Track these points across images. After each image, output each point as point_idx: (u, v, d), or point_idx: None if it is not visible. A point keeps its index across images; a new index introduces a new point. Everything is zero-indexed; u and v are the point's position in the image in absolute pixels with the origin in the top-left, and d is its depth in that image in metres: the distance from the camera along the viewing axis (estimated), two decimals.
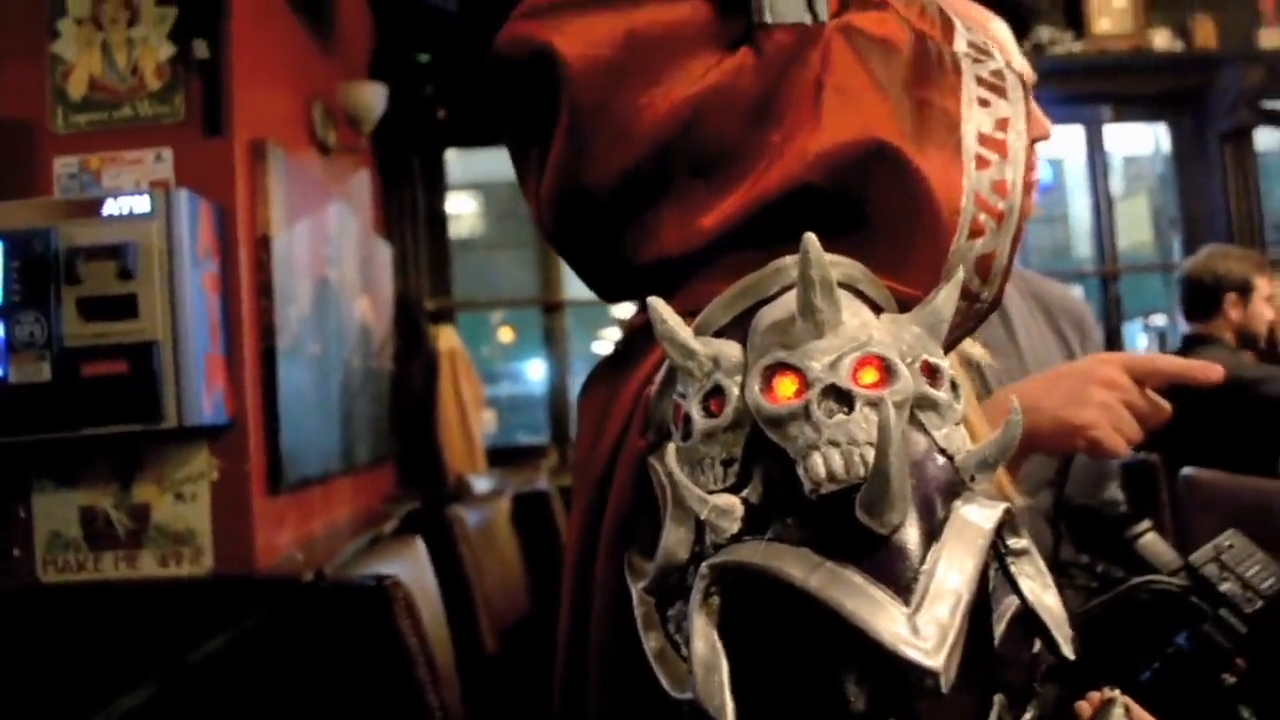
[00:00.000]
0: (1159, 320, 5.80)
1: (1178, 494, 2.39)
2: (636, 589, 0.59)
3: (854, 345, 0.52)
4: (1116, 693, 0.75)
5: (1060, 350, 1.51)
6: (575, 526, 0.70)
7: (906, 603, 0.47)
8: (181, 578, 2.22)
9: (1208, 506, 2.18)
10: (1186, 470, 2.34)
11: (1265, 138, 4.62)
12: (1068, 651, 0.55)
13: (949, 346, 0.63)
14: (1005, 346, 1.39)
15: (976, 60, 0.70)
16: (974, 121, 0.67)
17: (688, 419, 0.55)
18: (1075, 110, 4.51)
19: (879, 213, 0.63)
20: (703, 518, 0.52)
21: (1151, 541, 1.65)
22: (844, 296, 0.55)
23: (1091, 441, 1.10)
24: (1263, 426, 2.79)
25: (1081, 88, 4.36)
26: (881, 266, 0.61)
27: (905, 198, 0.63)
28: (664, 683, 0.55)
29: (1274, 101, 4.47)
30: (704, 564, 0.52)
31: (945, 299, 0.57)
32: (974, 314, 0.70)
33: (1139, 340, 7.47)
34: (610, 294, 0.77)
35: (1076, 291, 6.43)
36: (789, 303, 0.55)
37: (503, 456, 4.39)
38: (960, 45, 0.71)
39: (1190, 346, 3.14)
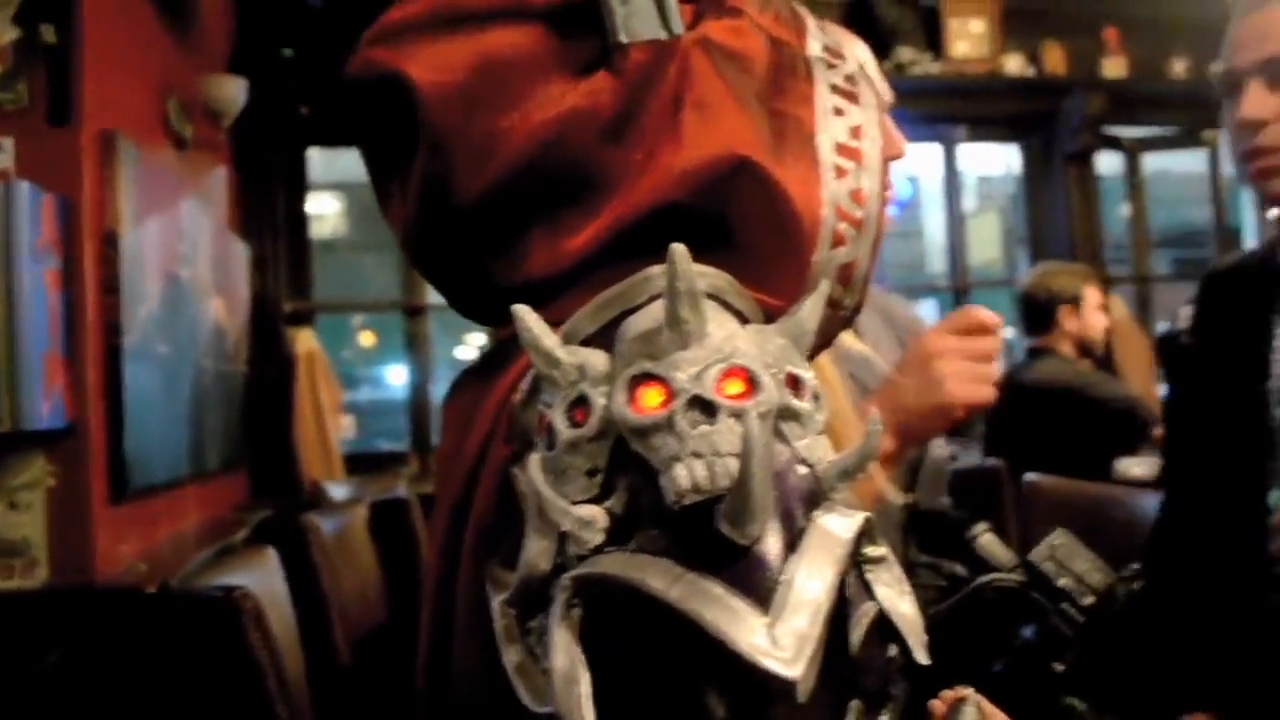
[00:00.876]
0: (1006, 333, 6.05)
1: (1021, 498, 2.52)
2: (497, 601, 0.58)
3: (719, 357, 0.52)
4: (969, 691, 0.78)
5: (897, 357, 1.57)
6: (436, 536, 0.69)
7: (765, 613, 0.48)
8: (13, 590, 2.10)
9: (1048, 510, 2.29)
10: (1029, 476, 2.46)
11: (1106, 161, 4.88)
12: (922, 658, 0.56)
13: (813, 354, 0.64)
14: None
15: (830, 66, 0.71)
16: (829, 131, 0.67)
17: (551, 429, 0.55)
18: (932, 129, 4.68)
19: (742, 227, 0.63)
20: (565, 529, 0.51)
21: (989, 542, 1.72)
22: (711, 307, 0.55)
23: (963, 408, 1.14)
24: (1097, 431, 2.94)
25: (938, 108, 4.53)
26: (747, 278, 0.62)
27: (767, 211, 0.63)
28: (524, 696, 0.54)
29: (1114, 127, 4.73)
30: (565, 575, 0.51)
31: (809, 311, 0.58)
32: (837, 321, 0.72)
33: None
34: (479, 316, 0.76)
35: (929, 305, 6.64)
36: (656, 313, 0.55)
37: (361, 463, 4.29)
38: (814, 48, 0.72)
39: (1032, 358, 3.29)
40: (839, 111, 0.69)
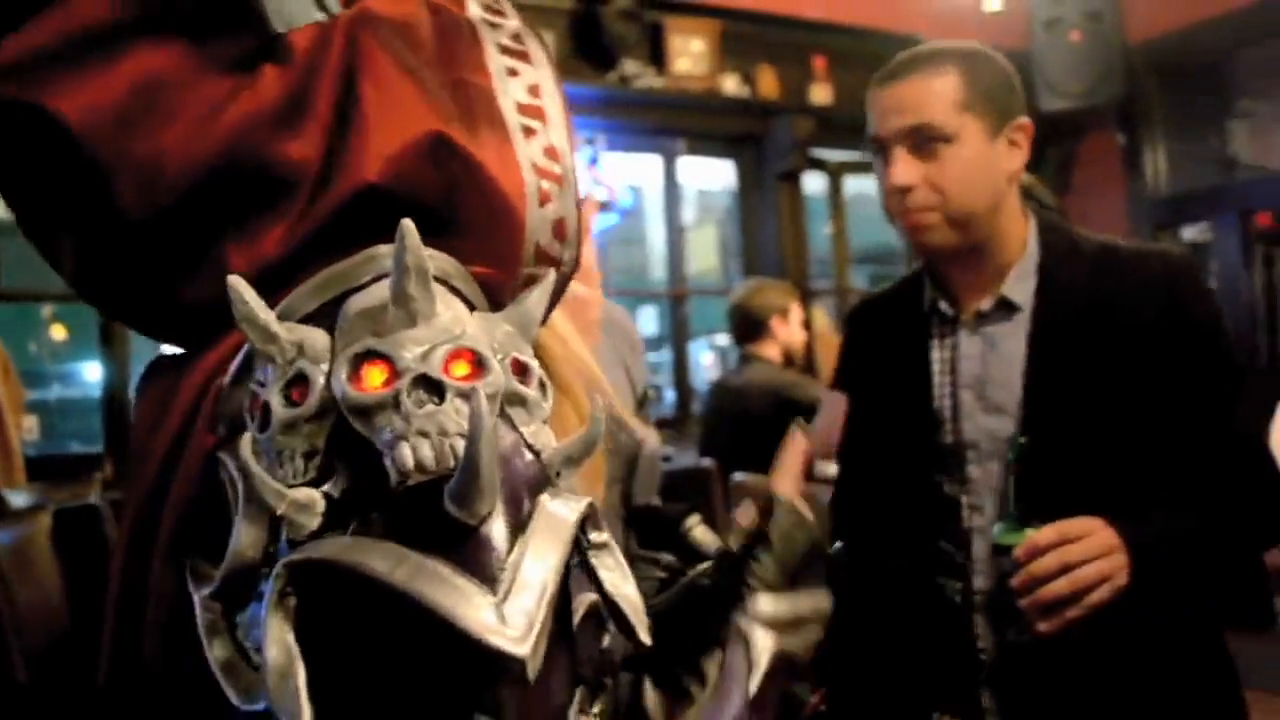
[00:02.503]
0: (721, 340, 6.31)
1: (729, 495, 2.66)
2: (200, 595, 0.55)
3: (447, 337, 0.52)
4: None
5: (613, 358, 1.62)
6: (126, 529, 0.64)
7: (494, 592, 0.48)
8: None
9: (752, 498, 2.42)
10: (736, 475, 2.60)
11: (812, 182, 5.19)
12: (645, 638, 0.57)
13: (545, 315, 0.64)
14: None
15: (494, 26, 0.70)
16: (509, 93, 0.67)
17: (266, 408, 0.52)
18: (654, 141, 4.82)
19: (448, 204, 0.62)
20: (280, 513, 0.49)
21: (702, 534, 1.80)
22: (438, 290, 0.54)
23: None
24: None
25: (660, 121, 4.67)
26: (463, 255, 0.61)
27: (470, 185, 0.62)
28: (231, 694, 0.52)
29: (821, 150, 5.03)
30: (279, 563, 0.49)
31: (536, 300, 0.58)
32: (560, 279, 0.71)
33: (703, 357, 8.06)
34: (174, 339, 0.70)
35: (649, 311, 6.81)
36: (381, 292, 0.54)
37: (48, 468, 3.93)
38: (474, 10, 0.71)
39: (744, 363, 3.48)
40: (513, 72, 0.68)
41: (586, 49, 4.37)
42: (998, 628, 1.30)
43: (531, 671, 0.46)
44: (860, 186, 5.85)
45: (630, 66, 4.42)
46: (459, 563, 0.48)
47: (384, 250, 0.57)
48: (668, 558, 1.36)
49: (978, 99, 1.34)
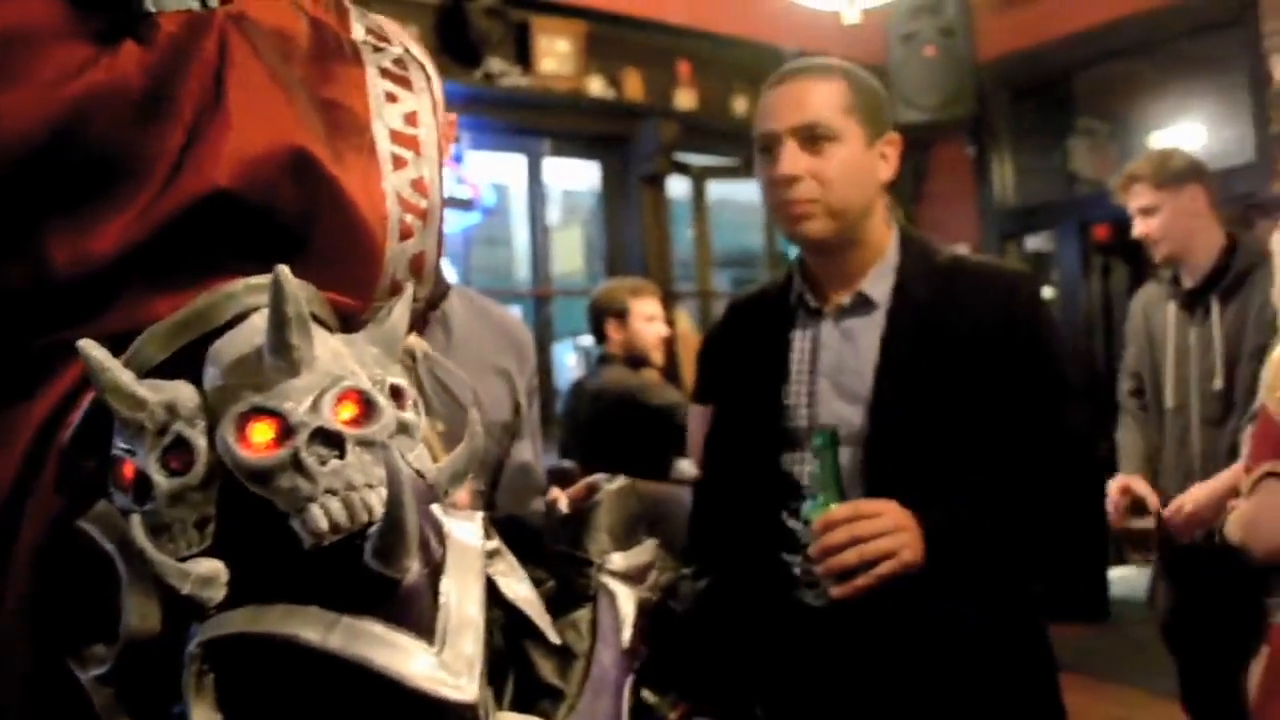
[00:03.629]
0: (586, 340, 6.33)
1: None
2: (89, 678, 0.50)
3: (331, 381, 0.49)
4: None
5: (491, 364, 1.59)
6: None
7: (431, 642, 0.47)
8: None
9: None
10: (595, 476, 2.61)
11: (676, 185, 5.24)
12: (552, 636, 0.56)
13: None
14: (445, 352, 1.43)
15: (377, 49, 0.68)
16: (384, 119, 0.65)
17: (143, 480, 0.48)
18: (519, 140, 4.80)
19: (303, 225, 0.59)
20: (185, 592, 0.46)
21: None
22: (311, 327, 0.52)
23: None
24: (652, 434, 3.17)
25: (525, 121, 4.65)
26: (317, 281, 0.58)
27: (329, 208, 0.60)
28: None
29: (685, 155, 5.09)
30: (193, 643, 0.46)
31: (399, 318, 0.56)
32: (414, 314, 0.70)
33: (567, 358, 8.05)
34: None
35: (515, 310, 6.79)
36: (251, 337, 0.50)
37: None
38: (358, 32, 0.68)
39: (600, 364, 3.50)
40: (392, 98, 0.66)
41: (452, 45, 4.32)
42: (802, 591, 1.41)
43: (482, 713, 0.46)
44: (723, 191, 5.94)
45: (496, 64, 4.40)
46: (391, 618, 0.46)
47: (240, 287, 0.54)
48: (534, 570, 1.36)
49: (860, 107, 1.48)
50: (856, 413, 1.46)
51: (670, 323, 3.84)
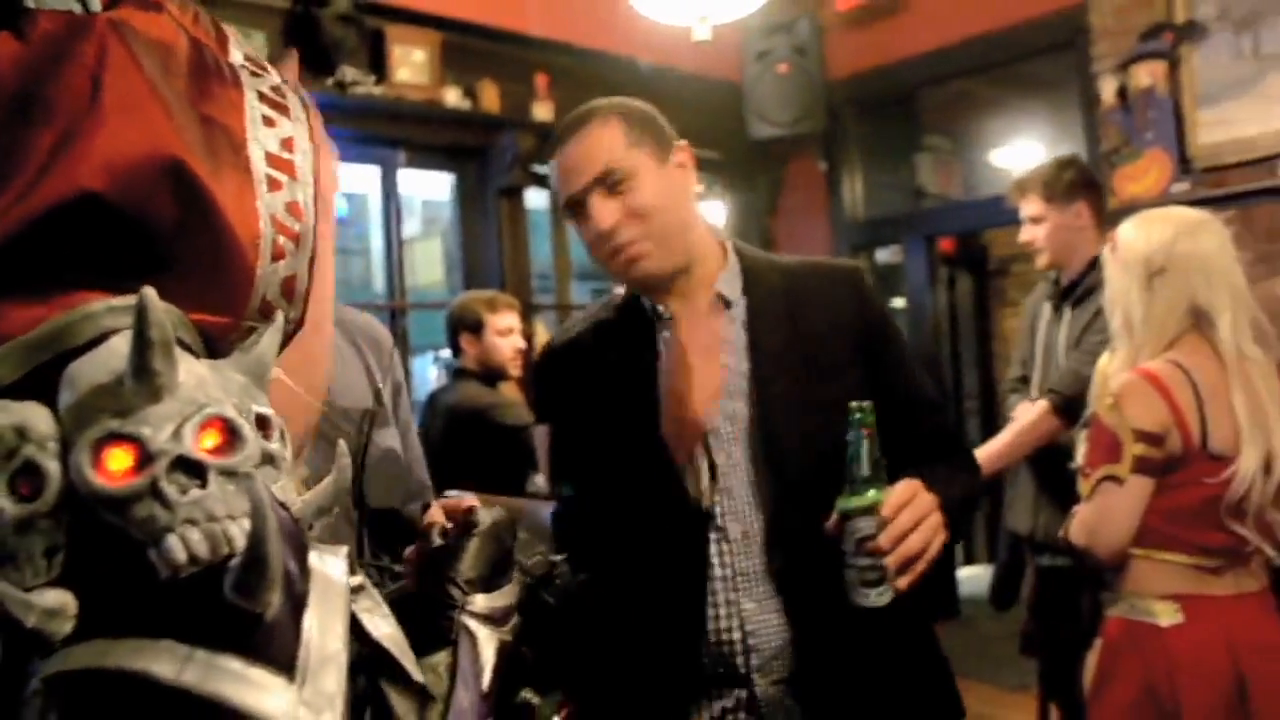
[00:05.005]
0: (446, 353, 6.27)
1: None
2: None
3: (194, 408, 0.48)
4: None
5: (358, 363, 1.59)
6: None
7: (292, 679, 0.45)
8: None
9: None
10: (449, 492, 2.60)
11: (534, 197, 5.23)
12: (418, 676, 0.55)
13: None
14: None
15: (255, 74, 0.68)
16: (260, 141, 0.64)
17: None
18: (373, 151, 4.71)
19: (174, 239, 0.57)
20: (30, 625, 0.43)
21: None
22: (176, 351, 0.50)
23: None
24: (503, 451, 3.16)
25: (379, 130, 4.57)
26: (186, 297, 0.57)
27: (202, 224, 0.58)
28: None
29: (543, 166, 5.08)
30: (35, 678, 0.43)
31: (268, 345, 0.55)
32: (283, 336, 0.69)
33: (429, 371, 7.94)
34: None
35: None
36: (110, 361, 0.49)
37: None
38: (236, 57, 0.68)
39: (455, 378, 3.46)
40: (269, 122, 0.65)
41: (303, 52, 4.22)
42: (852, 594, 1.32)
43: None
44: None
45: (349, 73, 4.31)
46: (249, 653, 0.44)
47: (99, 307, 0.52)
48: (401, 567, 1.33)
49: (640, 136, 1.51)
50: (740, 409, 1.49)
51: (528, 335, 3.82)
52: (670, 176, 1.53)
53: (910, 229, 5.93)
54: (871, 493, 1.29)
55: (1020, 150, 6.37)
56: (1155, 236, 1.99)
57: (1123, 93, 4.26)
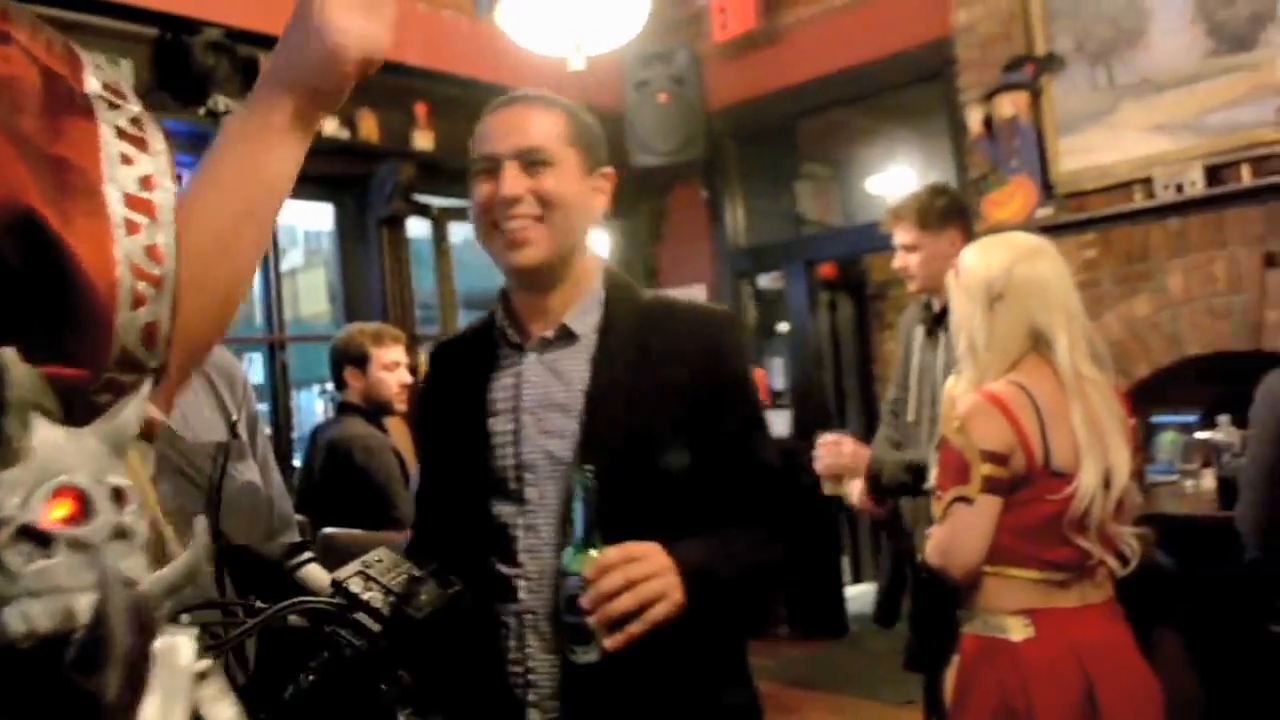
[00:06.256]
0: (331, 386, 6.14)
1: (322, 549, 2.66)
2: None
3: (46, 475, 0.46)
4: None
5: (211, 397, 1.57)
6: None
7: None
8: None
9: (341, 559, 2.46)
10: (325, 529, 2.67)
11: (416, 226, 5.18)
12: None
13: None
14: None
15: (113, 106, 0.65)
16: (117, 181, 0.61)
17: None
18: None
19: (28, 292, 0.55)
20: None
21: (312, 570, 1.72)
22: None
23: (355, 53, 0.94)
24: (382, 489, 3.12)
25: None
26: (39, 351, 0.53)
27: (56, 275, 0.56)
28: None
29: (424, 196, 5.04)
30: None
31: (131, 414, 0.53)
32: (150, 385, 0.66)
33: (316, 405, 7.75)
34: None
35: (256, 357, 6.52)
36: None
37: None
38: (93, 86, 0.65)
39: (339, 413, 3.39)
40: (127, 160, 0.63)
41: (173, 81, 4.11)
42: (565, 649, 1.34)
43: None
44: (465, 232, 5.91)
45: (222, 102, 4.20)
46: None
47: None
48: (261, 604, 1.29)
49: (578, 138, 1.51)
50: (563, 448, 1.45)
51: (413, 368, 3.76)
52: (587, 189, 1.52)
53: (791, 255, 6.04)
54: (588, 553, 1.31)
55: (895, 177, 6.56)
56: (994, 262, 2.06)
57: (988, 122, 4.43)
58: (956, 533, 1.99)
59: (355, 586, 1.28)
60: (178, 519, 1.22)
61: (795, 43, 5.52)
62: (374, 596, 1.27)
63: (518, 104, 1.52)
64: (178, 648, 0.50)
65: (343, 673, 1.18)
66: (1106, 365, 2.05)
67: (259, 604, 1.30)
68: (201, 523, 0.54)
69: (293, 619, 1.25)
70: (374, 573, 1.31)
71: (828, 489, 2.98)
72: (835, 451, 2.92)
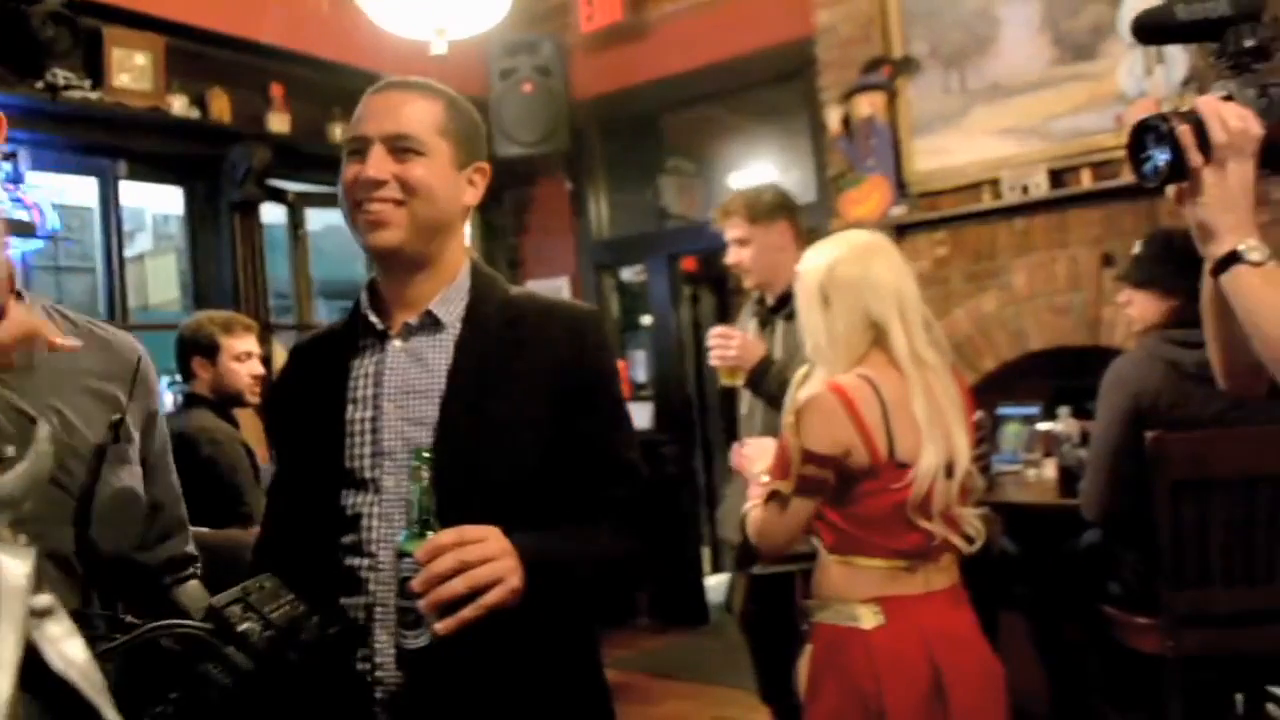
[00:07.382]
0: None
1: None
2: None
3: None
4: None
5: (92, 389, 1.46)
6: None
7: None
8: None
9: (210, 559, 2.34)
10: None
11: (271, 212, 5.01)
12: (108, 712, 0.51)
13: None
14: (28, 370, 1.29)
15: None
16: None
17: None
18: (90, 161, 4.39)
19: None
20: None
21: (193, 588, 1.65)
22: None
23: None
24: (230, 485, 3.03)
25: (98, 139, 4.26)
26: None
27: None
28: None
29: (280, 181, 4.89)
30: None
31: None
32: None
33: (165, 397, 7.42)
34: None
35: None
36: None
37: None
38: None
39: (186, 405, 3.24)
40: None
41: (9, 52, 3.88)
42: (396, 635, 1.30)
43: None
44: (325, 219, 5.76)
45: (61, 76, 3.99)
46: None
47: None
48: (129, 618, 1.23)
49: (454, 131, 1.51)
50: (422, 436, 1.44)
51: (266, 359, 3.63)
52: (457, 183, 1.51)
53: (654, 248, 6.08)
54: (425, 536, 1.29)
55: (757, 174, 6.66)
56: (824, 259, 2.12)
57: (847, 121, 4.54)
58: (768, 524, 2.08)
59: (233, 616, 1.22)
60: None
61: (661, 36, 5.55)
62: (251, 628, 1.22)
63: (396, 89, 1.52)
64: (9, 568, 0.48)
65: (202, 714, 1.13)
66: (946, 352, 2.13)
67: (128, 619, 1.24)
68: (44, 429, 0.52)
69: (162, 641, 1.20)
70: (254, 600, 1.26)
71: (724, 379, 3.04)
72: (726, 344, 2.96)
